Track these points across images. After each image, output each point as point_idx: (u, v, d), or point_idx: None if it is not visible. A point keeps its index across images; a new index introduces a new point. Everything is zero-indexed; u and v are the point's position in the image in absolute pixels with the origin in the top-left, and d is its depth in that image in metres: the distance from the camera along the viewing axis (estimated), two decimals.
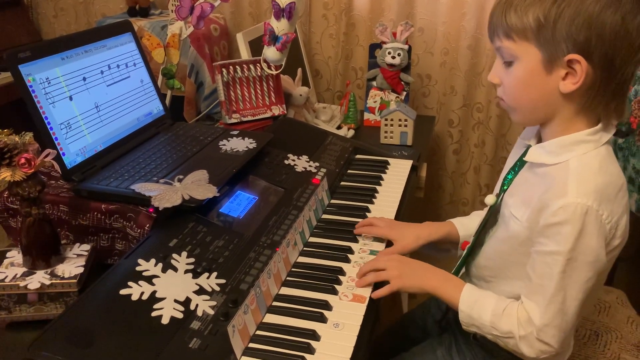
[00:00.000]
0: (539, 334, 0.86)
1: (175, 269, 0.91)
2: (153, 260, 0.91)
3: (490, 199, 1.01)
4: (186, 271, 0.91)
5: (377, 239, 1.13)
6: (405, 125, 1.65)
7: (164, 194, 1.01)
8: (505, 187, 0.99)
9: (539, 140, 0.95)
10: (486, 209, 1.03)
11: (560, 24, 0.81)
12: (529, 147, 0.96)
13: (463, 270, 1.08)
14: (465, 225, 1.14)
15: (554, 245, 0.83)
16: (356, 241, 1.12)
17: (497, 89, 0.93)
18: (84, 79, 1.17)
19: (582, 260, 0.83)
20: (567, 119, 0.88)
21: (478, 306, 0.93)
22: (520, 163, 0.97)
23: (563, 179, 0.85)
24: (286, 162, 1.31)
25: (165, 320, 0.82)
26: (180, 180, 1.07)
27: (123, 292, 0.85)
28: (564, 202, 0.82)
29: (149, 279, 0.88)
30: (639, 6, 0.80)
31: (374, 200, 1.28)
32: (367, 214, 1.21)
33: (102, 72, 1.22)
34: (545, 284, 0.85)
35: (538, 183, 0.90)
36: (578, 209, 0.81)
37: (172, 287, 0.87)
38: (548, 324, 0.86)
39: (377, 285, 0.99)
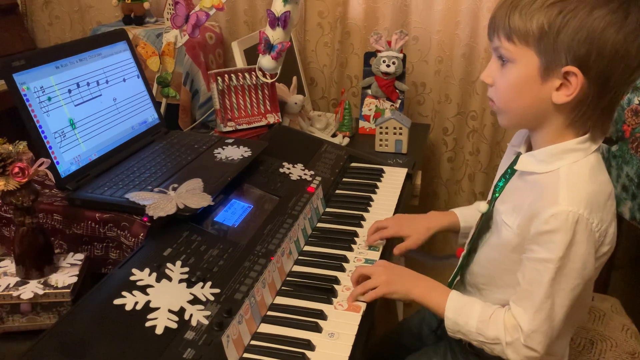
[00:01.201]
0: (526, 340, 0.87)
1: (169, 279, 0.90)
2: (147, 270, 0.91)
3: (482, 207, 1.01)
4: (180, 281, 0.91)
5: (372, 247, 1.13)
6: (400, 133, 1.65)
7: (159, 203, 1.01)
8: (496, 195, 0.99)
9: (529, 146, 0.96)
10: (479, 216, 1.03)
11: (563, 34, 0.80)
12: (519, 154, 0.96)
13: (458, 278, 1.08)
14: (467, 216, 1.16)
15: (545, 252, 0.84)
16: (351, 250, 1.12)
17: (488, 90, 0.93)
18: (79, 87, 1.16)
19: (571, 268, 0.83)
20: (557, 130, 0.88)
21: (464, 313, 0.93)
22: (511, 171, 0.98)
23: (554, 187, 0.85)
24: (281, 170, 1.31)
25: (159, 330, 0.81)
26: (174, 189, 1.07)
27: (117, 302, 0.84)
28: (556, 210, 0.82)
29: (143, 289, 0.87)
30: None
31: (369, 208, 1.28)
32: (362, 222, 1.21)
33: (96, 81, 1.22)
34: (535, 291, 0.85)
35: (528, 191, 0.90)
36: (570, 217, 0.82)
37: (166, 297, 0.87)
38: (536, 330, 0.86)
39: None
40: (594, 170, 0.87)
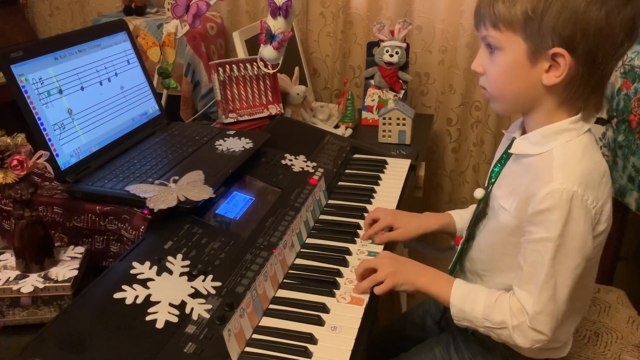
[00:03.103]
0: (532, 322, 0.87)
1: (170, 272, 0.90)
2: (148, 263, 0.90)
3: (479, 193, 1.02)
4: (181, 274, 0.90)
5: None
6: (404, 124, 1.63)
7: (159, 195, 1.00)
8: (492, 180, 1.00)
9: (524, 132, 0.96)
10: (475, 203, 1.04)
11: (547, 17, 0.82)
12: (514, 139, 0.97)
13: (458, 266, 1.07)
14: (464, 218, 1.16)
15: (543, 232, 0.85)
16: (354, 242, 1.11)
17: (480, 78, 0.94)
18: (78, 78, 1.15)
19: (570, 245, 0.84)
20: (549, 111, 0.89)
21: (470, 299, 0.93)
22: (506, 155, 0.99)
23: (548, 167, 0.86)
24: (283, 162, 1.30)
25: (160, 325, 0.81)
26: (175, 181, 1.06)
27: (117, 295, 0.83)
28: (550, 189, 0.83)
29: (144, 282, 0.86)
30: (623, 2, 0.81)
31: (372, 200, 1.27)
32: (365, 214, 1.20)
33: (96, 72, 1.20)
34: (537, 272, 0.86)
35: (524, 173, 0.91)
36: (564, 194, 0.83)
37: (167, 291, 0.86)
38: (541, 311, 0.86)
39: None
40: (587, 149, 0.88)
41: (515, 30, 0.85)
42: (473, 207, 1.17)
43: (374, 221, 1.14)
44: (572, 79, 0.84)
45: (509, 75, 0.88)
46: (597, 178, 0.87)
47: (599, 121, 0.93)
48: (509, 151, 0.97)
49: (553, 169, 0.85)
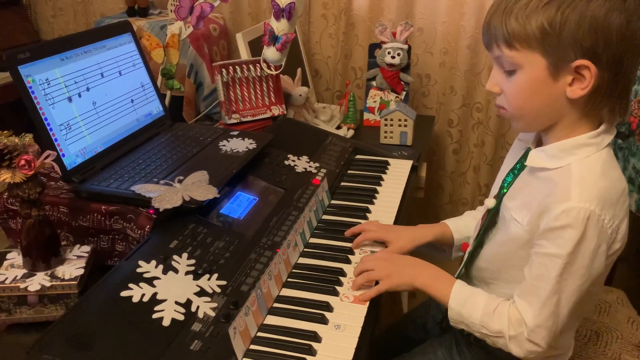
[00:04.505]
0: (530, 334, 0.86)
1: (176, 271, 0.91)
2: (154, 262, 0.91)
3: (490, 202, 0.99)
4: (187, 273, 0.91)
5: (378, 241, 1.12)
6: (405, 125, 1.65)
7: (164, 195, 1.01)
8: (504, 190, 0.98)
9: (539, 141, 0.94)
10: (485, 212, 1.02)
11: (566, 30, 0.79)
12: (528, 149, 0.94)
13: (463, 271, 1.07)
14: (459, 227, 1.14)
15: (555, 248, 0.83)
16: None
17: (496, 98, 0.91)
18: (84, 79, 1.16)
19: (579, 264, 0.82)
20: (571, 124, 0.86)
21: (469, 304, 0.92)
22: (521, 166, 0.96)
23: (565, 183, 0.84)
24: (286, 162, 1.31)
25: (166, 322, 0.82)
26: (180, 181, 1.07)
27: (124, 294, 0.84)
28: (567, 207, 0.81)
29: (150, 281, 0.87)
30: None
31: (374, 200, 1.28)
32: (368, 214, 1.21)
33: (101, 73, 1.21)
34: (541, 286, 0.85)
35: (539, 187, 0.89)
36: (581, 213, 0.80)
37: (173, 289, 0.87)
38: (540, 325, 0.85)
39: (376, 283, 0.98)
40: (606, 166, 0.85)
41: (532, 47, 0.81)
42: (468, 214, 1.17)
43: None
44: (597, 89, 0.81)
45: (530, 93, 0.85)
46: (614, 196, 0.84)
47: (620, 135, 0.91)
48: (524, 163, 0.93)
49: (571, 186, 0.82)
